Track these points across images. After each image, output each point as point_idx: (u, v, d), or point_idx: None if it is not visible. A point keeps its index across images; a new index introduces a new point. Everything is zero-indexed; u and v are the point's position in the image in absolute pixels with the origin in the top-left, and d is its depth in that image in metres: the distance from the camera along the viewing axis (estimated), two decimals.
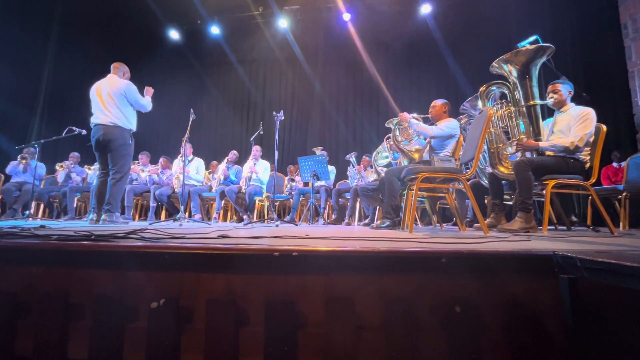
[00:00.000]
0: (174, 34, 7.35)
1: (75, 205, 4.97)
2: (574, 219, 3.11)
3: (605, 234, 2.22)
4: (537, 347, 0.79)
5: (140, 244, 1.00)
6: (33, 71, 6.76)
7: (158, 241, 1.06)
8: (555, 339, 0.77)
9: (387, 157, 4.03)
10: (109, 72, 3.32)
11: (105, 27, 7.23)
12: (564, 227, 2.90)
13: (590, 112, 2.33)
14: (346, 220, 4.44)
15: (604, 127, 2.40)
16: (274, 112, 3.63)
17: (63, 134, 3.99)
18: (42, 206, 5.36)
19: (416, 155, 3.12)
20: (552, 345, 0.77)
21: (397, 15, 6.44)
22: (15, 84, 6.33)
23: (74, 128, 3.91)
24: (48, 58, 6.95)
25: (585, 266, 0.65)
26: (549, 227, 2.43)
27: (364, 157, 5.07)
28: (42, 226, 1.83)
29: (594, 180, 2.35)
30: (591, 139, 2.37)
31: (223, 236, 1.37)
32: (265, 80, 7.56)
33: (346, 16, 6.62)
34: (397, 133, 3.23)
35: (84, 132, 3.86)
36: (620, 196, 3.40)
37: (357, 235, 1.64)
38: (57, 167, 5.41)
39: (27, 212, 4.19)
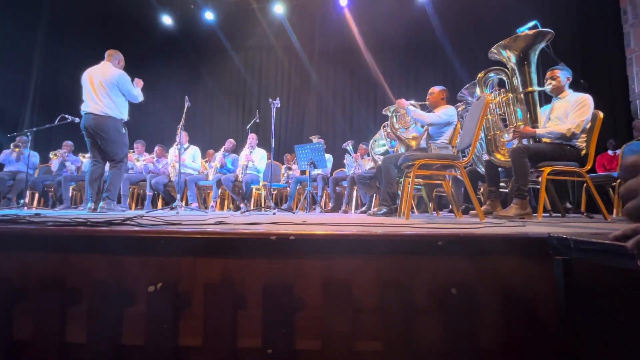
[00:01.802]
0: (166, 19, 7.17)
1: (70, 194, 4.94)
2: (568, 205, 3.15)
3: (598, 220, 2.25)
4: (531, 327, 0.80)
5: (137, 229, 1.00)
6: (22, 60, 6.59)
7: (155, 227, 1.06)
8: (549, 319, 0.79)
9: (384, 145, 4.02)
10: (100, 58, 3.24)
11: (95, 12, 7.02)
12: (559, 215, 2.93)
13: (588, 99, 2.33)
14: (343, 208, 4.45)
15: (601, 114, 2.41)
16: (270, 99, 3.59)
17: (56, 122, 3.92)
18: (36, 195, 5.31)
19: (413, 143, 3.12)
20: (545, 325, 0.79)
21: (395, 1, 6.31)
22: (5, 73, 6.18)
23: (67, 116, 3.84)
24: (37, 46, 6.77)
25: (579, 247, 0.66)
26: (543, 214, 2.46)
27: (360, 145, 5.05)
28: (37, 214, 1.82)
29: (589, 167, 2.36)
30: (588, 126, 2.37)
31: (220, 222, 1.36)
32: (262, 67, 7.44)
33: (343, 1, 6.49)
34: (395, 120, 3.21)
35: (77, 120, 3.79)
36: (614, 183, 3.44)
37: (354, 221, 1.65)
38: (51, 156, 5.35)
39: (22, 201, 4.15)
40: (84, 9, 6.94)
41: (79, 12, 6.94)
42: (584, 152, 2.39)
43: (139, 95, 3.31)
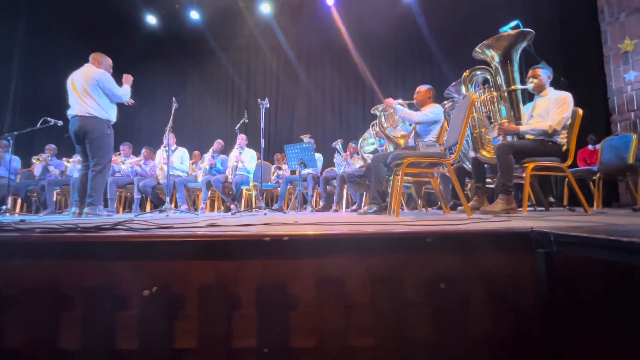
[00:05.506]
0: (151, 19, 7.05)
1: (54, 199, 4.82)
2: (551, 199, 3.25)
3: (580, 213, 2.34)
4: (515, 317, 0.84)
5: (128, 234, 0.99)
6: (1, 62, 6.38)
7: (146, 231, 1.05)
8: (532, 310, 0.82)
9: (373, 143, 4.06)
10: (83, 59, 3.19)
11: (77, 12, 6.84)
12: (543, 209, 3.02)
13: (567, 97, 2.41)
14: (334, 207, 4.48)
15: (580, 111, 2.49)
16: (258, 100, 3.58)
17: (37, 126, 3.82)
18: (19, 201, 5.16)
19: (402, 141, 3.16)
20: (529, 315, 0.83)
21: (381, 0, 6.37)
22: None
23: (49, 119, 3.74)
24: (17, 47, 6.57)
25: (559, 240, 0.70)
26: (528, 208, 2.54)
27: (350, 144, 5.09)
28: (23, 221, 1.78)
29: (570, 162, 2.45)
30: (568, 123, 2.45)
31: (213, 225, 1.37)
32: (249, 67, 7.40)
33: (330, 0, 6.50)
34: (383, 119, 3.25)
35: (60, 123, 3.71)
36: (594, 177, 3.56)
37: (345, 220, 1.67)
38: (33, 160, 5.20)
39: (4, 207, 4.03)
40: (65, 9, 6.75)
41: (60, 13, 6.75)
42: (565, 147, 2.47)
43: (124, 95, 3.23)
